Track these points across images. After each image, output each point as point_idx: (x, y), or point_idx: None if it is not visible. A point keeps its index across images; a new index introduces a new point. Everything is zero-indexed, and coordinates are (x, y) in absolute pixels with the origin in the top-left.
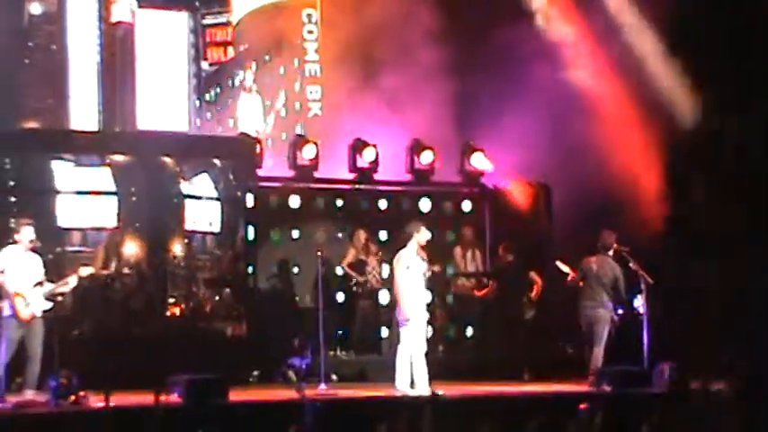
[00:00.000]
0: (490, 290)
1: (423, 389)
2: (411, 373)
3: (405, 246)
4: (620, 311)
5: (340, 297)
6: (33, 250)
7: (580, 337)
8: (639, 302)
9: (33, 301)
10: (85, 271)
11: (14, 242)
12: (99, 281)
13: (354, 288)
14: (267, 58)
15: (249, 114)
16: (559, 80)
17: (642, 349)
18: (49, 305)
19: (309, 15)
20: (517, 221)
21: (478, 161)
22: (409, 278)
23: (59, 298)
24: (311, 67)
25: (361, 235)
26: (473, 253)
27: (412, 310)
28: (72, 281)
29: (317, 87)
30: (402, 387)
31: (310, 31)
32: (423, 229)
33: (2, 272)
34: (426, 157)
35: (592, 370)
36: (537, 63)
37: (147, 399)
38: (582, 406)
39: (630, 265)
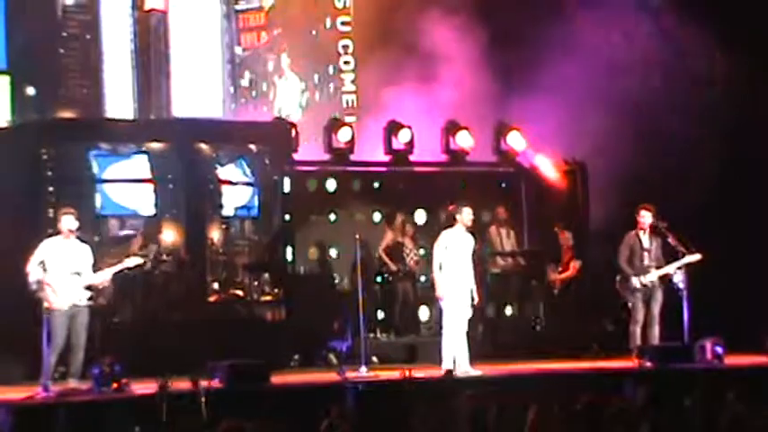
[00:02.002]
0: (575, 271)
1: (463, 368)
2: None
3: (450, 226)
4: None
5: (379, 279)
6: (79, 239)
7: (620, 313)
8: (680, 278)
9: (66, 291)
10: (133, 261)
11: (57, 232)
12: (138, 268)
13: (390, 274)
14: (301, 41)
15: (284, 99)
16: (597, 55)
17: (683, 324)
18: (88, 294)
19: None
20: (553, 200)
21: (514, 140)
22: (447, 258)
23: (101, 286)
24: (345, 50)
25: (398, 217)
26: (507, 232)
27: (446, 290)
28: (106, 274)
29: (352, 68)
30: (447, 366)
31: (344, 14)
32: (465, 210)
33: (41, 263)
34: (462, 138)
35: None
36: (573, 40)
37: (188, 385)
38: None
39: (669, 240)
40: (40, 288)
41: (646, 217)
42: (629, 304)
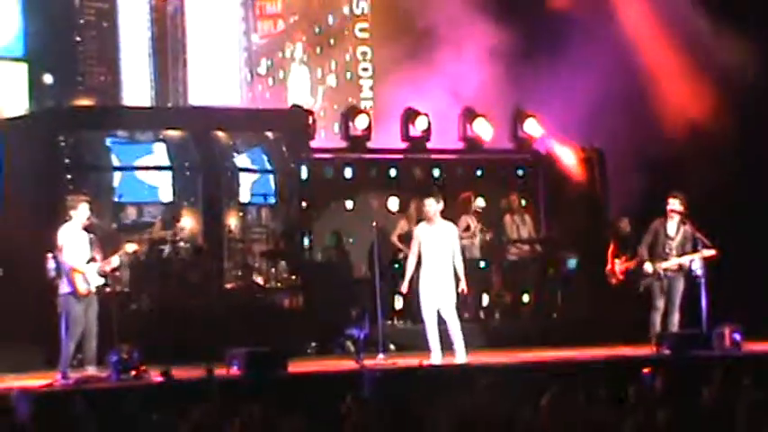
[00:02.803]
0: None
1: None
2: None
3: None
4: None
5: (396, 266)
6: (87, 228)
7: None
8: (697, 265)
9: (91, 277)
10: (131, 248)
11: (71, 219)
12: (156, 255)
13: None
14: (317, 29)
15: (300, 87)
16: (613, 42)
17: (701, 312)
18: (102, 281)
19: None
20: (571, 187)
21: (531, 127)
22: (423, 251)
23: (117, 273)
24: (362, 37)
25: (412, 204)
26: (522, 219)
27: (421, 283)
28: (115, 260)
29: (369, 56)
30: (435, 357)
31: (360, 2)
32: (426, 201)
33: (60, 249)
34: (479, 125)
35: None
36: (589, 26)
37: (203, 372)
38: (645, 371)
39: (687, 230)
40: (58, 275)
41: (673, 204)
42: (641, 289)
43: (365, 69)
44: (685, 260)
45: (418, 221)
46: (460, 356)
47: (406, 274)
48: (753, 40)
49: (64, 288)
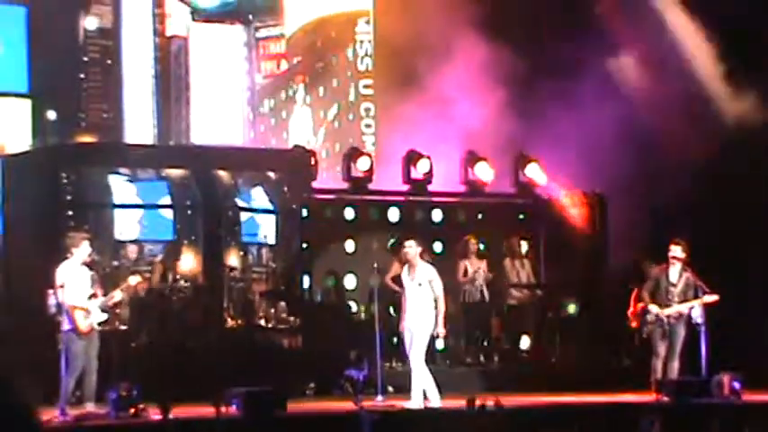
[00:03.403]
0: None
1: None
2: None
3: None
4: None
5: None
6: (88, 264)
7: (636, 347)
8: (697, 312)
9: (92, 314)
10: (134, 280)
11: (72, 256)
12: (156, 294)
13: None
14: (320, 70)
15: (302, 127)
16: (615, 89)
17: (701, 359)
18: (105, 317)
19: (363, 28)
20: (572, 233)
21: (533, 172)
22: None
23: (117, 310)
24: (364, 79)
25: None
26: (522, 263)
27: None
28: (117, 294)
29: (370, 98)
30: (416, 401)
31: (363, 44)
32: (406, 243)
33: (61, 286)
34: (481, 169)
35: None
36: (592, 73)
37: (205, 411)
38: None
39: (689, 278)
40: (59, 312)
41: (675, 251)
42: (644, 336)
43: (367, 110)
44: (687, 307)
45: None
46: (415, 402)
47: (402, 314)
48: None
49: (65, 325)
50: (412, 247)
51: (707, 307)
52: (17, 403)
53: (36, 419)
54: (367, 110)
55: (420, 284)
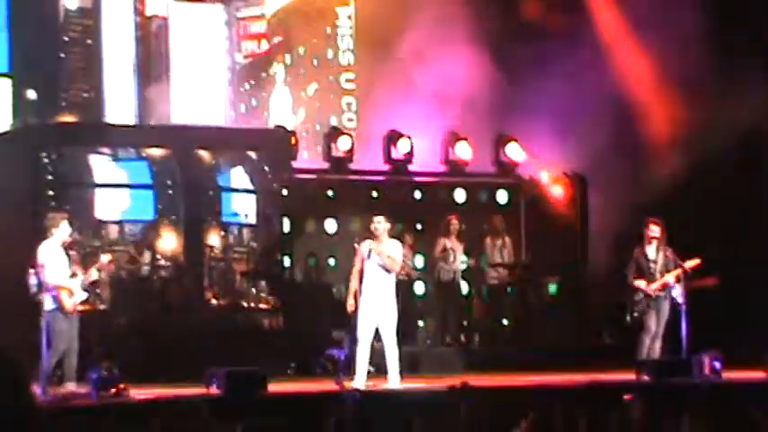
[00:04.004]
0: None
1: (393, 380)
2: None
3: (372, 236)
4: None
5: None
6: (69, 244)
7: (621, 325)
8: (678, 291)
9: (76, 293)
10: (105, 258)
11: (52, 236)
12: (137, 273)
13: None
14: (301, 50)
15: (282, 106)
16: (597, 68)
17: (681, 339)
18: (85, 296)
19: (343, 7)
20: (552, 212)
21: (513, 151)
22: (366, 267)
23: (98, 290)
24: (345, 58)
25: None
26: (503, 242)
27: (361, 300)
28: (93, 273)
29: (352, 78)
30: (359, 381)
31: (344, 23)
32: (376, 218)
33: (42, 266)
34: (461, 149)
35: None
36: (574, 52)
37: (186, 391)
38: (627, 397)
39: (668, 254)
40: (39, 291)
41: (653, 231)
42: (635, 314)
43: (348, 90)
44: (672, 276)
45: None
46: (393, 381)
47: (349, 290)
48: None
49: (48, 305)
50: (381, 222)
51: (692, 272)
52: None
53: (28, 391)
54: (347, 89)
55: (384, 267)
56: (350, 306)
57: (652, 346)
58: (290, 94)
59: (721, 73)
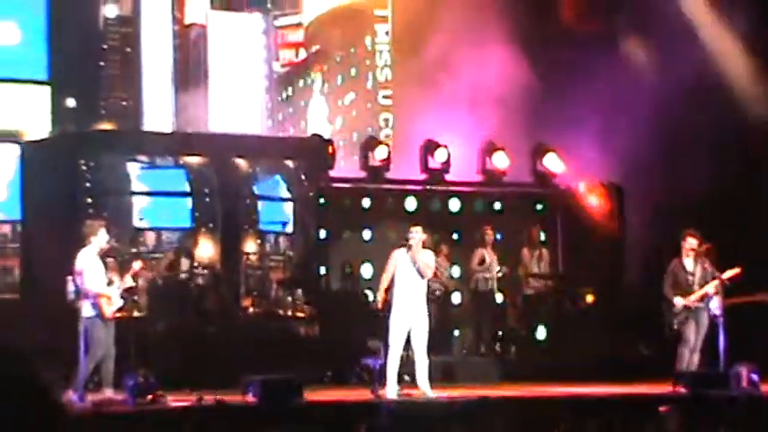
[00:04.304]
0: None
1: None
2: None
3: (404, 245)
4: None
5: None
6: (106, 251)
7: (658, 337)
8: (715, 304)
9: (114, 300)
10: (137, 265)
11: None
12: (174, 281)
13: None
14: (338, 59)
15: (319, 115)
16: (634, 79)
17: (719, 351)
18: (122, 302)
19: (381, 17)
20: (589, 223)
21: (551, 162)
22: (397, 276)
23: (135, 297)
24: (383, 69)
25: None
26: (540, 253)
27: (393, 308)
28: (128, 280)
29: (389, 86)
30: (391, 390)
31: (382, 33)
32: (413, 228)
33: (80, 273)
34: (498, 159)
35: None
36: (612, 63)
37: (222, 398)
38: (663, 409)
39: (706, 266)
40: (77, 298)
41: (690, 243)
42: (675, 327)
43: (386, 98)
44: (712, 286)
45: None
46: (424, 390)
47: (379, 291)
48: None
49: (87, 311)
50: (418, 233)
51: (731, 282)
52: (34, 377)
53: (55, 396)
54: (385, 99)
55: (419, 270)
56: (380, 297)
57: (690, 358)
58: (327, 103)
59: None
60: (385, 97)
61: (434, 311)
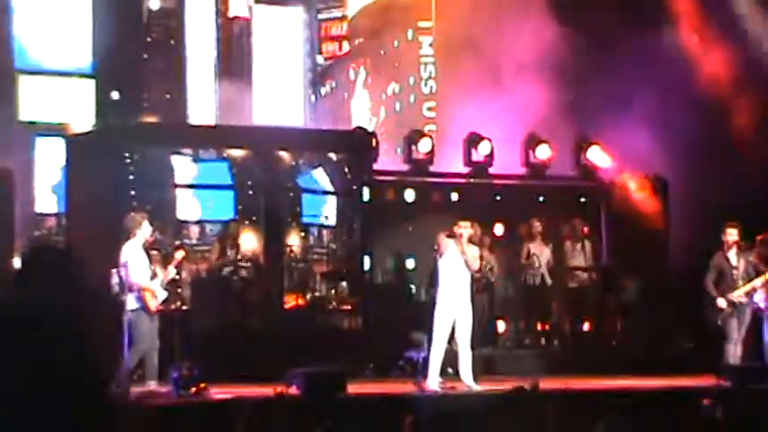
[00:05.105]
0: None
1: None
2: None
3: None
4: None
5: None
6: (150, 244)
7: (701, 331)
8: (760, 297)
9: (158, 293)
10: (179, 255)
11: (135, 236)
12: (217, 274)
13: None
14: (382, 52)
15: (363, 108)
16: (679, 71)
17: (763, 344)
18: (166, 294)
19: (424, 9)
20: (633, 216)
21: (595, 155)
22: (444, 269)
23: (179, 289)
24: (426, 61)
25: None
26: (582, 245)
27: (440, 301)
28: (171, 270)
29: (433, 80)
30: (432, 381)
31: (425, 25)
32: (462, 222)
33: (125, 266)
34: (542, 151)
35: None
36: (657, 56)
37: (265, 391)
38: (705, 401)
39: (750, 259)
40: (122, 291)
41: (732, 235)
42: (719, 323)
43: (429, 92)
44: (758, 282)
45: (488, 244)
46: (467, 382)
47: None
48: None
49: (132, 304)
50: (467, 228)
51: None
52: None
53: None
54: (428, 92)
55: (466, 263)
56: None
57: (735, 351)
58: (370, 96)
59: None
60: (428, 92)
61: (478, 304)
